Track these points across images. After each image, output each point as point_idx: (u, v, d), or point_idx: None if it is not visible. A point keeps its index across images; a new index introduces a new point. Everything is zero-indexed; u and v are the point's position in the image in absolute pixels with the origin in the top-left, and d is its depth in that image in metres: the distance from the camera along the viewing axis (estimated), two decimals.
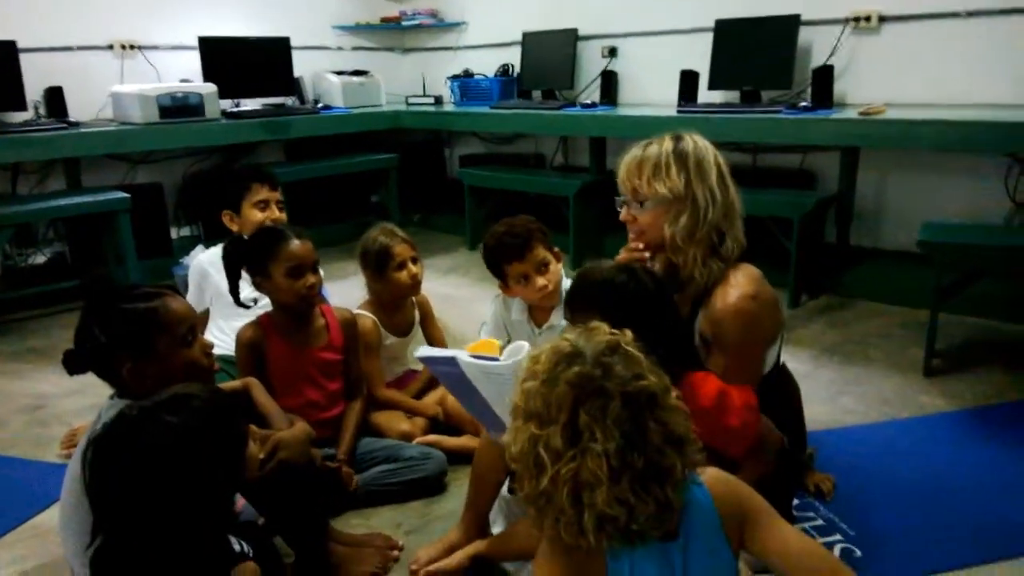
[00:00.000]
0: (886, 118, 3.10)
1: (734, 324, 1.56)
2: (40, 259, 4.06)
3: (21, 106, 3.77)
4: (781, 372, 1.97)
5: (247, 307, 2.15)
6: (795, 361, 2.62)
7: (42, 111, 3.91)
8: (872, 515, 1.88)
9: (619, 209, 1.74)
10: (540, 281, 2.10)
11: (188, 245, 3.27)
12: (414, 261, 2.40)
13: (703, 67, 3.95)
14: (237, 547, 1.30)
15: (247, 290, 2.15)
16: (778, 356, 1.76)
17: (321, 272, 2.11)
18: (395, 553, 1.78)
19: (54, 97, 3.91)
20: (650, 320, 1.45)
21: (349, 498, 1.98)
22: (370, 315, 2.34)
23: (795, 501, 1.93)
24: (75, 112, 3.98)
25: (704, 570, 1.04)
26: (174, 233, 4.44)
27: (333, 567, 1.70)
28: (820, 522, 1.86)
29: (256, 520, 1.67)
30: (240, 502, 1.63)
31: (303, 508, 1.61)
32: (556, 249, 2.17)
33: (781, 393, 1.98)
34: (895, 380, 2.66)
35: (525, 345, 1.40)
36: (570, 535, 0.98)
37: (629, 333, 1.06)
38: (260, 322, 2.07)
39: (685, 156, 1.62)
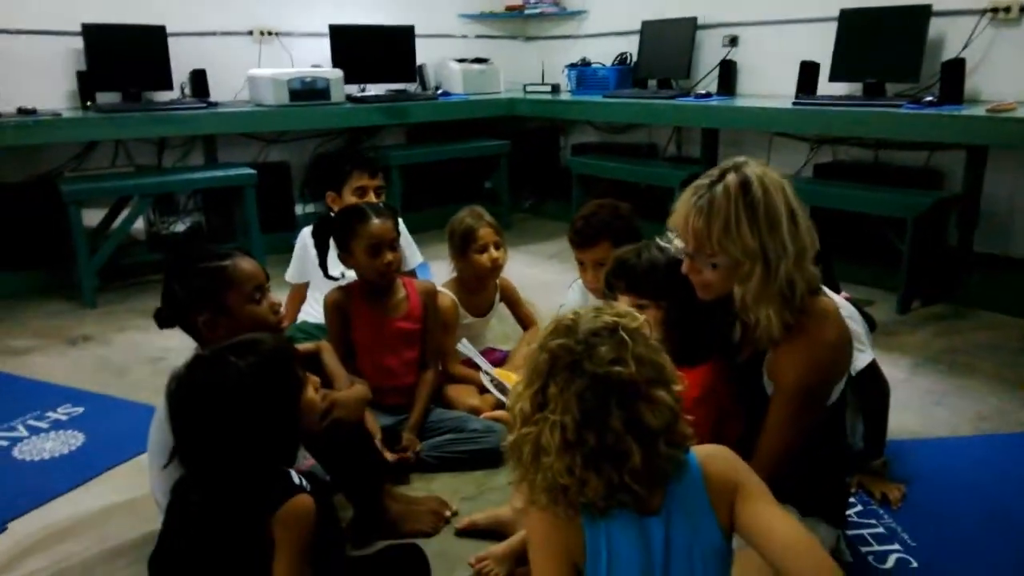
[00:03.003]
0: (1017, 116, 2.88)
1: (804, 373, 1.43)
2: (180, 227, 4.44)
3: (168, 86, 4.13)
4: (871, 374, 1.92)
5: (336, 279, 2.29)
6: (892, 367, 2.51)
7: (187, 91, 4.27)
8: (940, 530, 1.80)
9: (678, 256, 1.55)
10: (591, 276, 2.14)
11: (311, 221, 3.49)
12: (497, 246, 2.47)
13: (825, 58, 3.80)
14: (296, 480, 1.41)
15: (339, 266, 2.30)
16: (845, 384, 1.59)
17: (403, 248, 2.22)
18: (447, 514, 1.88)
19: (198, 79, 4.25)
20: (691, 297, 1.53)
21: (414, 462, 2.09)
22: (450, 294, 2.44)
23: (858, 508, 1.88)
24: (216, 93, 4.31)
25: (687, 547, 1.05)
26: (299, 209, 4.73)
27: (388, 523, 1.81)
28: (880, 530, 1.80)
29: (325, 478, 1.80)
30: (309, 461, 1.75)
31: (356, 464, 1.73)
32: None
33: (867, 393, 1.93)
34: (998, 395, 2.50)
35: None
36: (530, 492, 1.04)
37: (641, 317, 1.07)
38: (348, 288, 2.21)
39: (755, 208, 1.41)
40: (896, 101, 3.39)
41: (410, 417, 2.17)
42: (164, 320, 1.66)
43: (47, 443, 2.34)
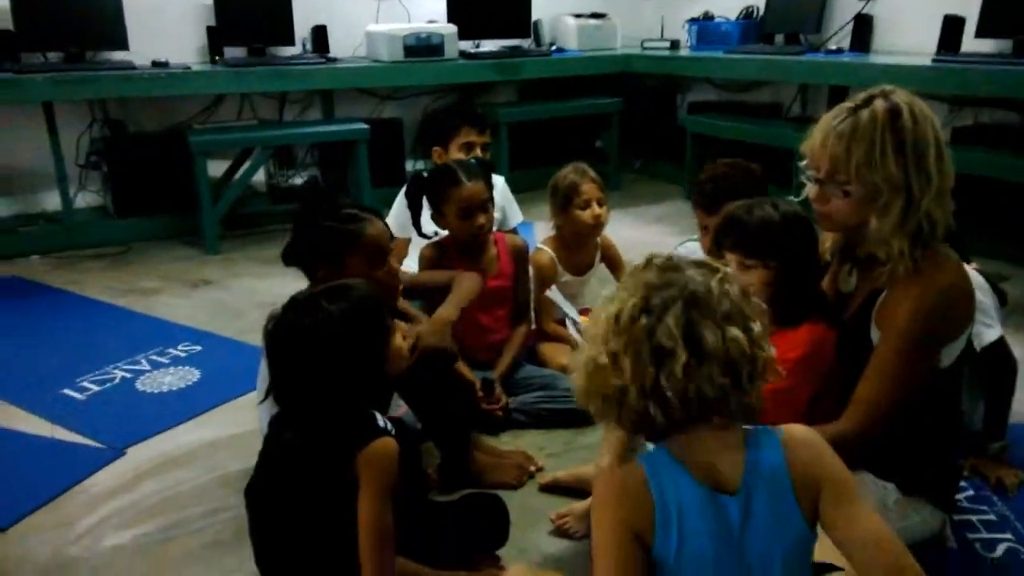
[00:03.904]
0: None
1: (915, 315, 1.36)
2: (298, 180, 4.60)
3: (290, 41, 4.26)
4: (999, 350, 1.80)
5: (429, 237, 2.30)
6: None
7: (308, 47, 4.38)
8: None
9: (805, 181, 1.49)
10: (707, 242, 1.96)
11: None
12: (599, 203, 2.42)
13: (972, 13, 3.48)
14: (381, 423, 1.45)
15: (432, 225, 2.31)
16: (967, 346, 1.51)
17: (504, 207, 2.20)
18: (532, 469, 1.89)
19: (319, 34, 4.36)
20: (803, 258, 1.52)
21: (505, 417, 2.10)
22: (549, 250, 2.42)
23: (969, 492, 1.76)
24: (336, 49, 4.41)
25: (766, 533, 0.99)
26: (409, 166, 4.80)
27: (473, 473, 1.84)
28: (992, 517, 1.68)
29: (415, 426, 1.83)
30: (403, 408, 1.79)
31: (446, 411, 1.75)
32: None
33: (992, 370, 1.82)
34: None
35: None
36: (584, 398, 1.04)
37: (729, 271, 1.02)
38: (442, 244, 2.23)
39: (903, 137, 1.33)
40: None
41: (496, 367, 2.18)
42: (288, 260, 1.75)
43: (167, 377, 2.50)
